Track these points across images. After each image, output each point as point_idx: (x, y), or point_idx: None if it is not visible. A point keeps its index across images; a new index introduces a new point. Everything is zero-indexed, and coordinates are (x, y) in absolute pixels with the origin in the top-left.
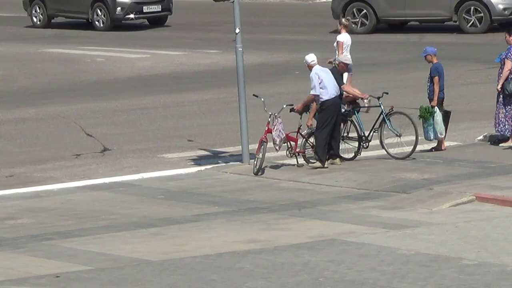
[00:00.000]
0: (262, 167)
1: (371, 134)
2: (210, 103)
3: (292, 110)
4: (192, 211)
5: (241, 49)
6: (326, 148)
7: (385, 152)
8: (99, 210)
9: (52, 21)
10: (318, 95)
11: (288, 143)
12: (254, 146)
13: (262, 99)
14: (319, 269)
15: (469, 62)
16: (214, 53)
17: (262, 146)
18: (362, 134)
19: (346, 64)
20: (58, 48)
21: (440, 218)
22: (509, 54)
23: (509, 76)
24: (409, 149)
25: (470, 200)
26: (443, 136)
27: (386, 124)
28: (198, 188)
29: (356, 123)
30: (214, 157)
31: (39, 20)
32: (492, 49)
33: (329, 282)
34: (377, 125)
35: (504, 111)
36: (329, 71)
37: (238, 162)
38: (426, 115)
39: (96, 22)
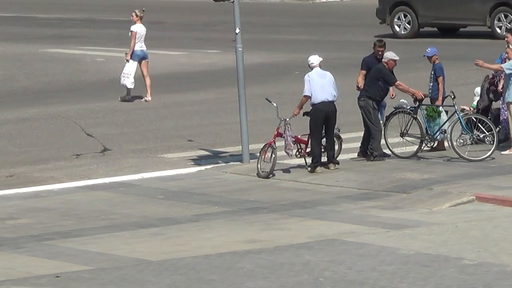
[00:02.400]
0: (267, 169)
1: (437, 133)
2: (210, 103)
3: (305, 113)
4: (192, 211)
5: (241, 49)
6: (320, 152)
7: (456, 154)
8: (99, 210)
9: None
10: (310, 97)
11: (298, 145)
12: (254, 146)
13: (275, 104)
14: (319, 269)
15: (469, 62)
16: (214, 53)
17: (272, 150)
18: (427, 133)
19: (395, 60)
20: (58, 48)
21: (440, 218)
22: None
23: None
24: (485, 153)
25: (470, 200)
26: (448, 136)
27: (461, 125)
28: (198, 188)
29: (420, 121)
30: (214, 157)
31: (404, 29)
32: (492, 49)
33: (329, 282)
34: (446, 125)
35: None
36: (326, 75)
37: (238, 162)
38: (434, 115)
39: (498, 30)
